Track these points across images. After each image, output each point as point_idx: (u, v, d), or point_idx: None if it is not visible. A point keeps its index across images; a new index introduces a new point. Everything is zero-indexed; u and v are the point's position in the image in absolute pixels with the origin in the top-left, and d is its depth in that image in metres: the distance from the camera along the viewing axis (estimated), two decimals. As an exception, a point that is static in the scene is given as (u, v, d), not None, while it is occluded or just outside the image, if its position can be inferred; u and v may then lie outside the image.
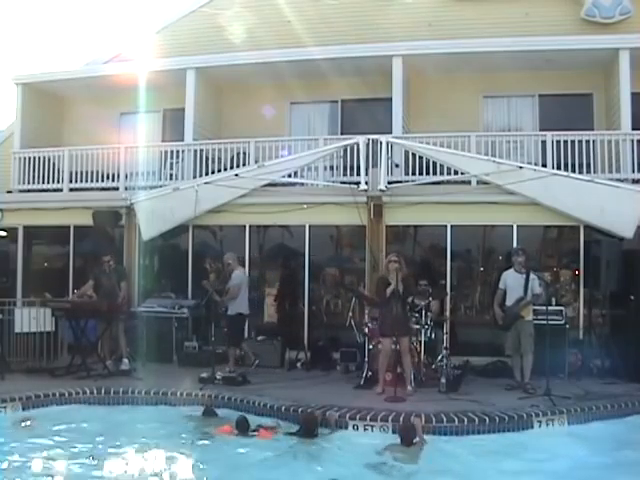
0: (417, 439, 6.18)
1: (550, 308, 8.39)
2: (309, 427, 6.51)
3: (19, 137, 13.36)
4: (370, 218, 10.22)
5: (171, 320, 10.40)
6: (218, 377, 8.60)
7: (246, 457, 6.13)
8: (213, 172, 11.57)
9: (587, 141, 10.75)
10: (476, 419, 6.68)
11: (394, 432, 6.53)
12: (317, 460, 5.95)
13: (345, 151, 10.94)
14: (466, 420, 6.65)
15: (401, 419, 6.58)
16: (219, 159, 12.07)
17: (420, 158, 10.79)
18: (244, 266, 10.27)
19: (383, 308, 8.27)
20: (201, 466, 5.77)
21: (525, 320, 8.36)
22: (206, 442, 6.53)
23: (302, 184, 11.12)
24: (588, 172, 10.45)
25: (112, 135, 13.38)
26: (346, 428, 6.70)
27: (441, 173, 10.58)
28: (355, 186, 10.26)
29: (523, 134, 11.67)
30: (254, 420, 6.92)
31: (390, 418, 6.67)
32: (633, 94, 10.95)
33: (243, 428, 6.66)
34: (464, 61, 11.82)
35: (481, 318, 10.35)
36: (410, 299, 8.54)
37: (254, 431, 6.67)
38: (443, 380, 8.19)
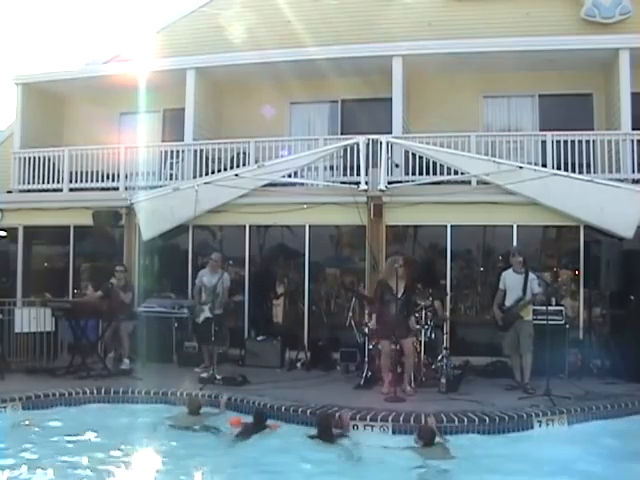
0: (438, 438, 6.17)
1: (550, 308, 8.39)
2: (326, 429, 6.43)
3: (19, 137, 13.36)
4: (370, 218, 10.23)
5: (171, 320, 10.40)
6: (218, 377, 8.61)
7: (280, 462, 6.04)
8: (213, 172, 11.56)
9: (587, 141, 10.75)
10: (476, 419, 6.68)
11: (394, 432, 6.54)
12: (352, 466, 5.91)
13: (345, 151, 10.94)
14: (466, 420, 6.65)
15: (422, 420, 6.56)
16: (219, 159, 12.06)
17: (420, 158, 10.79)
18: (243, 266, 10.68)
19: (381, 310, 8.26)
20: (204, 466, 5.78)
21: (524, 320, 8.37)
22: (206, 440, 6.54)
23: (302, 184, 11.12)
24: (588, 172, 10.44)
25: (112, 135, 13.37)
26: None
27: (441, 173, 10.57)
28: (355, 186, 10.26)
29: (523, 134, 11.65)
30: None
31: (390, 418, 6.67)
32: (633, 94, 10.95)
33: (261, 420, 6.70)
34: (464, 61, 11.82)
35: (481, 318, 10.34)
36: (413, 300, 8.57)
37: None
38: (443, 380, 8.19)
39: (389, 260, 8.64)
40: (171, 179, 12.10)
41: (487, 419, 6.70)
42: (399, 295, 8.04)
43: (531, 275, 8.46)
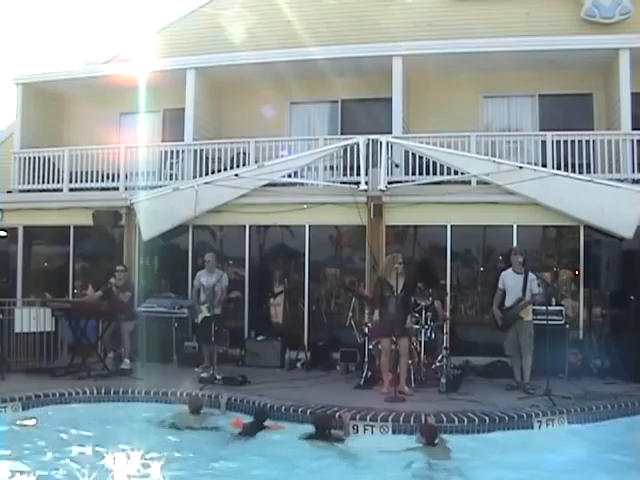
0: (438, 438, 6.19)
1: (550, 308, 8.37)
2: (325, 429, 6.42)
3: (19, 137, 13.37)
4: (370, 218, 10.23)
5: (171, 320, 10.40)
6: (218, 377, 8.61)
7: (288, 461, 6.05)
8: (213, 172, 11.57)
9: (587, 141, 10.76)
10: (476, 419, 6.68)
11: (394, 432, 6.54)
12: (352, 466, 5.89)
13: (345, 151, 10.93)
14: (466, 420, 6.64)
15: (422, 419, 6.56)
16: (219, 159, 12.07)
17: (420, 158, 10.79)
18: (243, 266, 10.75)
19: (380, 308, 8.25)
20: (204, 465, 5.78)
21: (524, 320, 8.36)
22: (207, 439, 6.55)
23: (302, 184, 11.12)
24: (588, 172, 10.45)
25: (112, 135, 13.37)
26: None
27: (441, 173, 10.58)
28: (355, 186, 10.27)
29: (523, 134, 11.66)
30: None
31: (390, 418, 6.67)
32: (633, 94, 10.95)
33: (261, 421, 6.69)
34: (464, 61, 11.82)
35: (481, 318, 10.34)
36: (412, 299, 8.55)
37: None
38: (443, 380, 8.19)
39: (388, 257, 8.66)
40: (171, 179, 12.10)
41: (487, 419, 6.69)
42: (398, 292, 8.03)
43: (531, 275, 8.45)
